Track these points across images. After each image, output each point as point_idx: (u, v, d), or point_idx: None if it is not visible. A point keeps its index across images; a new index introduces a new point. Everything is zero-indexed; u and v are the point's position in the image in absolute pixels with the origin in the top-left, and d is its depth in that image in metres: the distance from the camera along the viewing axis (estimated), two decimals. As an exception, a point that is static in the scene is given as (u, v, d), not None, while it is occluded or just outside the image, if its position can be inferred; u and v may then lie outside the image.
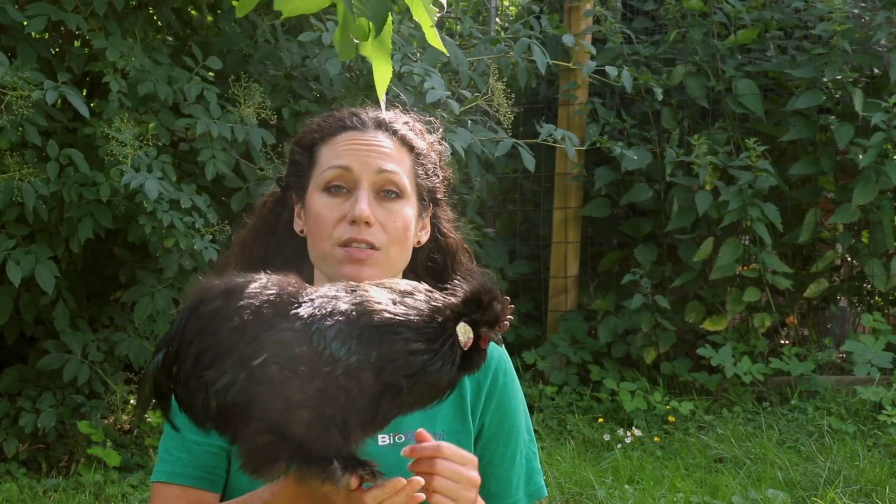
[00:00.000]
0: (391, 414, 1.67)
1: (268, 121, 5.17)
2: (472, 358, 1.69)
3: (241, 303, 1.64)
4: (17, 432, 5.29)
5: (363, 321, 1.62)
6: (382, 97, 1.87)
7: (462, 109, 5.40)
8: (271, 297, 1.65)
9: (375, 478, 1.69)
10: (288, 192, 2.16)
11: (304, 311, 1.63)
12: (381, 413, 1.64)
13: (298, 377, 1.59)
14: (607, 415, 6.23)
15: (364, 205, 2.02)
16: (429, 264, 2.17)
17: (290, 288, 1.68)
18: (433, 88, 5.08)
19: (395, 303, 1.66)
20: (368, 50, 1.73)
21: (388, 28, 1.65)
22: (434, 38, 1.66)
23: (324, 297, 1.66)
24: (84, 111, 4.76)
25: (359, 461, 1.68)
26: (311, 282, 2.13)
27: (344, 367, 1.59)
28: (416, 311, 1.65)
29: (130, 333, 5.33)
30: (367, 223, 2.02)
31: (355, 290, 1.67)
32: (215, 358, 1.63)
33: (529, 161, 5.53)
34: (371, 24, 1.63)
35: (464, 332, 1.66)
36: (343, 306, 1.64)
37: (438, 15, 1.69)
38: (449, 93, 5.30)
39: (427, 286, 1.73)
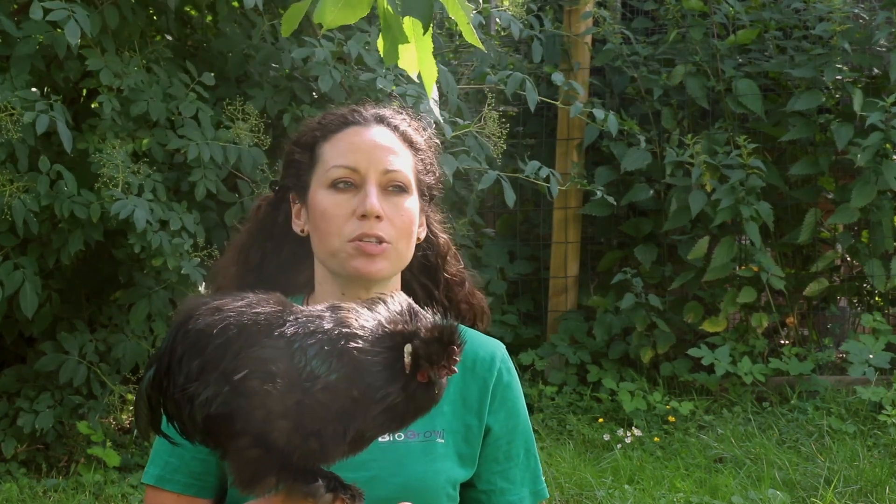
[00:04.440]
0: (364, 433, 1.68)
1: (261, 145, 5.18)
2: (416, 388, 1.67)
3: (228, 320, 1.69)
4: (15, 433, 5.29)
5: (344, 341, 1.65)
6: (432, 94, 1.88)
7: (454, 134, 5.39)
8: (257, 315, 1.69)
9: (356, 500, 1.72)
10: (284, 193, 2.16)
11: (288, 329, 1.67)
12: (354, 429, 1.67)
13: (278, 390, 1.63)
14: (607, 415, 6.23)
15: (374, 199, 2.02)
16: (423, 262, 2.19)
17: (277, 307, 1.71)
18: (430, 111, 5.08)
19: (364, 308, 1.69)
20: (406, 58, 1.74)
21: (429, 29, 1.67)
22: (472, 36, 1.67)
23: (309, 316, 1.69)
24: (68, 145, 4.74)
25: (342, 483, 1.72)
26: (312, 281, 2.14)
27: (323, 383, 1.63)
28: (372, 317, 1.69)
29: (128, 334, 5.34)
30: (377, 217, 2.02)
31: (339, 310, 1.70)
32: (201, 373, 1.67)
33: (510, 197, 5.51)
34: (416, 23, 1.64)
35: (407, 353, 1.67)
36: (326, 325, 1.67)
37: (475, 11, 1.70)
38: (445, 115, 5.30)
39: (413, 306, 1.73)
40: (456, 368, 1.70)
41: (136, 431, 5.60)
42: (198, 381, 1.67)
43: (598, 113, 5.94)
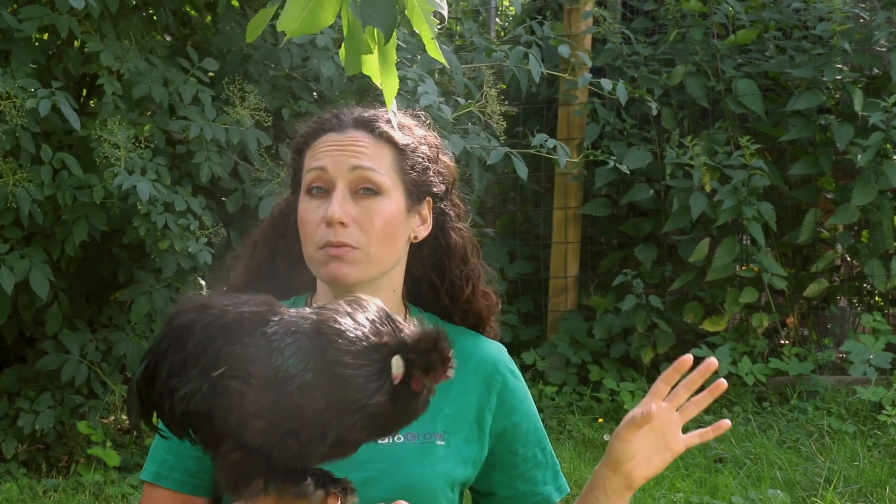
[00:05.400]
0: (345, 438, 1.68)
1: (262, 122, 5.17)
2: (407, 397, 1.67)
3: (212, 317, 1.70)
4: (16, 433, 5.29)
5: (318, 339, 1.65)
6: (391, 109, 1.87)
7: (455, 115, 5.39)
8: (241, 314, 1.70)
9: (348, 495, 1.72)
10: (294, 195, 2.17)
11: (270, 328, 1.67)
12: (333, 433, 1.66)
13: (254, 389, 1.63)
14: (607, 415, 6.23)
15: (336, 205, 2.00)
16: (433, 260, 2.17)
17: (263, 307, 1.71)
18: (426, 93, 5.08)
19: (346, 315, 1.68)
20: (370, 66, 1.73)
21: (393, 40, 1.65)
22: (434, 51, 1.66)
23: (293, 316, 1.69)
24: (76, 124, 4.75)
25: (333, 478, 1.71)
26: (315, 282, 2.14)
27: (299, 382, 1.62)
28: (355, 326, 1.67)
29: (129, 333, 5.34)
30: (341, 223, 2.00)
31: (322, 313, 1.69)
32: (182, 368, 1.68)
33: (522, 170, 5.53)
34: (378, 33, 1.63)
35: (396, 366, 1.66)
36: (306, 326, 1.67)
37: (439, 27, 1.69)
38: (442, 99, 5.30)
39: (388, 314, 1.72)
40: (451, 374, 1.70)
41: (134, 432, 5.61)
42: (179, 376, 1.68)
43: (606, 83, 5.94)
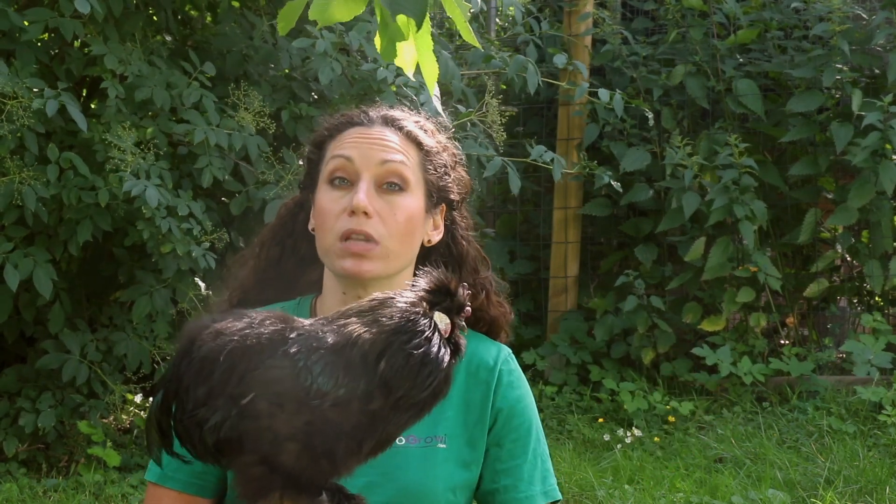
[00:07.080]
0: (392, 434, 1.70)
1: (266, 129, 5.17)
2: (455, 345, 1.71)
3: (231, 344, 1.69)
4: (16, 432, 5.29)
5: (349, 354, 1.65)
6: (433, 93, 1.88)
7: (456, 123, 5.39)
8: (260, 336, 1.69)
9: None
10: (305, 192, 2.18)
11: (291, 347, 1.67)
12: (373, 439, 1.67)
13: (286, 412, 1.63)
14: (607, 415, 6.23)
15: (362, 195, 2.02)
16: (444, 267, 2.17)
17: (279, 324, 1.71)
18: (430, 105, 5.09)
19: (375, 322, 1.68)
20: (403, 58, 1.74)
21: (427, 26, 1.66)
22: (468, 35, 1.67)
23: (310, 331, 1.69)
24: (83, 125, 4.75)
25: (347, 494, 1.72)
26: (321, 282, 2.15)
27: (332, 399, 1.63)
28: (399, 314, 1.68)
29: (129, 333, 5.34)
30: (365, 214, 2.01)
31: (339, 323, 1.70)
32: (208, 398, 1.68)
33: (515, 184, 5.53)
34: (411, 21, 1.64)
35: (441, 320, 1.69)
36: (329, 339, 1.67)
37: (472, 11, 1.70)
38: (444, 106, 5.30)
39: (394, 291, 1.75)
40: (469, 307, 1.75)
41: (136, 431, 5.61)
42: (206, 406, 1.67)
43: (604, 94, 5.95)
